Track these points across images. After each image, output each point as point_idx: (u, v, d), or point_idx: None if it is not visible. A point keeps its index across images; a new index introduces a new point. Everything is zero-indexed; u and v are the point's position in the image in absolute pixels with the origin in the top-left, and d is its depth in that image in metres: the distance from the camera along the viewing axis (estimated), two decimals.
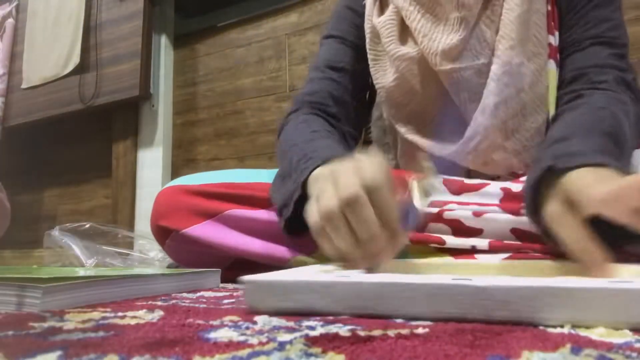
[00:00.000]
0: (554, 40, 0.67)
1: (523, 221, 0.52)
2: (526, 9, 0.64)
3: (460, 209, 0.56)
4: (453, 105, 0.67)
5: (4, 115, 2.16)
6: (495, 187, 0.57)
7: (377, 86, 0.73)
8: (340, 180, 0.42)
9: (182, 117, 2.00)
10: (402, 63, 0.68)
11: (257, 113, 1.83)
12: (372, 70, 0.73)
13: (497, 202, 0.56)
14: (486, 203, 0.56)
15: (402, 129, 0.72)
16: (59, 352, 0.20)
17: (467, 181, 0.59)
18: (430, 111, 0.69)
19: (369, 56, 0.73)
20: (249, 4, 1.89)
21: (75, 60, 2.00)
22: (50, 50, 2.08)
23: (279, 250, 0.63)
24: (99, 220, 1.99)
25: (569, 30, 0.67)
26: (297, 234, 0.56)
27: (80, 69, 2.00)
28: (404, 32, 0.70)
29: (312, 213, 0.42)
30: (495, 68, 0.63)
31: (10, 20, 2.24)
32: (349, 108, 0.74)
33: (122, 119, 2.01)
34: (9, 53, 2.21)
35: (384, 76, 0.72)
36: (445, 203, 0.57)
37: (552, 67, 0.66)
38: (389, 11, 0.71)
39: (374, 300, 0.29)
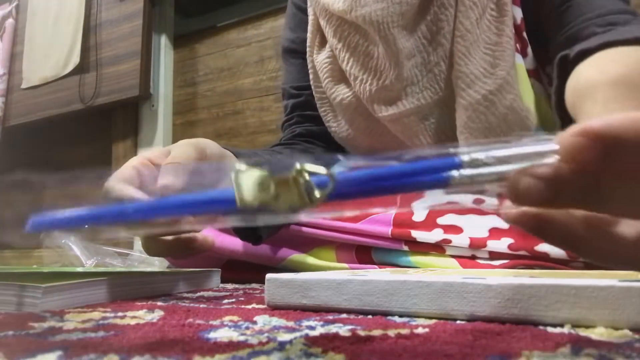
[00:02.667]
0: (516, 17, 0.58)
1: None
2: (479, 33, 0.56)
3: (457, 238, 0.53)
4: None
5: (4, 115, 2.16)
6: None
7: (329, 129, 0.68)
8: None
9: (182, 117, 2.00)
10: (344, 110, 0.64)
11: (257, 113, 1.83)
12: (320, 111, 0.68)
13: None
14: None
15: None
16: (59, 352, 0.20)
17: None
18: (392, 146, 0.64)
19: (315, 95, 0.69)
20: (249, 4, 1.89)
21: (75, 60, 2.00)
22: (50, 50, 2.08)
23: (274, 250, 0.63)
24: None
25: None
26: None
27: (80, 69, 2.00)
28: (342, 72, 0.64)
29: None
30: (458, 116, 0.56)
31: (10, 20, 2.24)
32: (329, 136, 0.70)
33: (122, 119, 2.01)
34: (9, 53, 2.21)
35: (334, 120, 0.67)
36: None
37: (517, 61, 0.59)
38: (327, 49, 0.65)
39: (385, 297, 0.30)
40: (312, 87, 0.69)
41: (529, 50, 0.61)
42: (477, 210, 0.55)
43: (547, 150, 0.17)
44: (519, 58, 0.60)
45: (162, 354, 0.20)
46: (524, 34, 0.60)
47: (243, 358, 0.19)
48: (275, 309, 0.34)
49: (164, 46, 2.02)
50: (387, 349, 0.20)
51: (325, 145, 0.72)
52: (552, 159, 0.17)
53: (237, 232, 0.52)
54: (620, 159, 0.16)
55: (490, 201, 0.55)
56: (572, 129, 0.16)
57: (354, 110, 0.63)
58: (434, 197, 0.57)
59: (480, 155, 0.17)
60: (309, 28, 0.69)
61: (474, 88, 0.56)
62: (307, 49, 0.69)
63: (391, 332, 0.24)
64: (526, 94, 0.59)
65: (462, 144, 0.56)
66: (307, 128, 0.71)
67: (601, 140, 0.16)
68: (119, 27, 1.98)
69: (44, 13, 2.14)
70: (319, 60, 0.66)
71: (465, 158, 0.17)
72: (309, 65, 0.69)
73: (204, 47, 2.00)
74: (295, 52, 0.74)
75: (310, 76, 0.69)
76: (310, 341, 0.22)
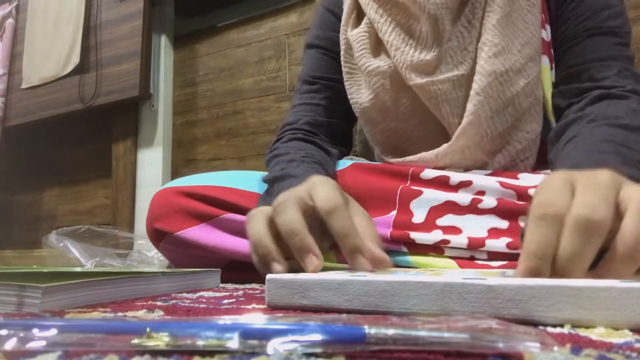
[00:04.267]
0: (546, 35, 0.63)
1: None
2: (509, 10, 0.59)
3: (456, 238, 0.54)
4: (432, 121, 0.64)
5: (4, 115, 2.16)
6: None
7: (351, 101, 0.70)
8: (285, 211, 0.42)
9: (182, 117, 2.00)
10: (374, 78, 0.65)
11: (257, 113, 1.83)
12: (346, 84, 0.70)
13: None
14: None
15: (376, 150, 0.70)
16: (59, 352, 0.20)
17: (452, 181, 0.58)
18: (407, 128, 0.66)
19: (343, 69, 0.70)
20: (249, 4, 1.89)
21: (75, 60, 2.00)
22: (50, 50, 2.08)
23: None
24: (99, 221, 2.00)
25: (565, 24, 0.62)
26: None
27: (80, 69, 2.00)
28: (378, 45, 0.67)
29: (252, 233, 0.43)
30: (478, 79, 0.59)
31: (10, 20, 2.24)
32: (335, 127, 0.74)
33: (122, 119, 2.01)
34: (9, 53, 2.21)
35: (358, 92, 0.69)
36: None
37: (546, 64, 0.63)
38: (363, 24, 0.68)
39: (385, 298, 0.30)
40: (342, 62, 0.70)
41: (553, 66, 0.65)
42: (476, 210, 0.55)
43: None
44: (546, 61, 0.63)
45: (162, 354, 0.20)
46: (552, 51, 0.64)
47: (243, 358, 0.19)
48: (275, 309, 0.34)
49: (164, 46, 2.02)
50: (387, 349, 0.20)
51: (328, 137, 0.73)
52: None
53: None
54: None
55: (489, 200, 0.55)
56: None
57: (387, 78, 0.65)
58: (431, 195, 0.57)
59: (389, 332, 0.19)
60: (345, 8, 0.71)
61: (499, 58, 0.58)
62: (342, 27, 0.71)
63: None
64: (548, 94, 0.63)
65: (471, 109, 0.58)
66: (314, 117, 0.73)
67: None
68: (119, 27, 1.98)
69: (44, 13, 2.14)
70: (354, 33, 0.68)
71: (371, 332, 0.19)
72: (342, 42, 0.71)
73: (204, 47, 2.00)
74: (317, 47, 0.77)
75: (342, 50, 0.70)
76: (310, 342, 0.22)
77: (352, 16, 0.70)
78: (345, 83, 0.71)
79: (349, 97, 0.70)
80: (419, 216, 0.57)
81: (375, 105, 0.67)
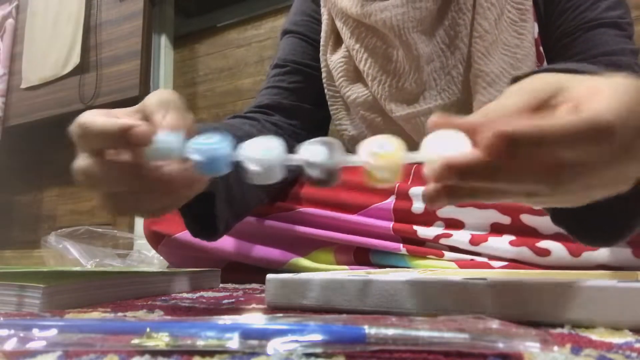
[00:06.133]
0: (534, 32, 0.59)
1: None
2: (497, 34, 0.56)
3: (457, 234, 0.53)
4: None
5: (4, 115, 2.16)
6: None
7: (337, 127, 0.68)
8: None
9: None
10: (356, 108, 0.63)
11: None
12: (331, 109, 0.69)
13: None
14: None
15: None
16: (59, 352, 0.20)
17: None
18: None
19: (327, 94, 0.69)
20: (249, 4, 1.89)
21: (75, 60, 2.00)
22: (50, 50, 2.08)
23: (274, 254, 0.62)
24: (99, 221, 1.99)
25: (560, 17, 0.57)
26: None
27: (80, 69, 2.00)
28: (357, 72, 0.64)
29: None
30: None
31: (10, 20, 2.24)
32: (303, 112, 0.68)
33: None
34: (9, 53, 2.21)
35: (343, 118, 0.68)
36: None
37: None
38: (342, 49, 0.65)
39: (385, 298, 0.30)
40: (325, 87, 0.68)
41: (545, 64, 0.61)
42: (477, 204, 0.54)
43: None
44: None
45: (162, 354, 0.20)
46: (540, 48, 0.60)
47: (243, 358, 0.19)
48: (275, 309, 0.34)
49: (164, 46, 2.02)
50: (387, 349, 0.20)
51: (295, 122, 0.67)
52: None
53: (189, 227, 0.43)
54: (521, 153, 0.21)
55: None
56: (488, 129, 0.21)
57: (369, 108, 0.63)
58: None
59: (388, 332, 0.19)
60: (323, 28, 0.68)
61: (495, 87, 0.56)
62: (321, 49, 0.69)
63: None
64: None
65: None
66: (276, 100, 0.68)
67: (511, 142, 0.20)
68: (119, 27, 1.98)
69: (44, 13, 2.14)
70: (333, 59, 0.66)
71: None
72: (322, 65, 0.68)
73: (204, 47, 2.00)
74: (294, 32, 0.73)
75: (323, 75, 0.68)
76: (310, 342, 0.22)
77: (331, 39, 0.67)
78: (331, 109, 0.69)
79: (334, 122, 0.69)
80: (418, 204, 0.56)
81: (362, 133, 0.65)
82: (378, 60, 0.61)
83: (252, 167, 0.26)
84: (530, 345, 0.18)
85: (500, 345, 0.18)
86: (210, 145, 0.26)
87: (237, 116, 0.64)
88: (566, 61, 0.57)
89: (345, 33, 0.64)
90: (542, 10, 0.60)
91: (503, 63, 0.56)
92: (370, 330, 0.19)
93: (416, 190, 0.56)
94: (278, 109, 0.67)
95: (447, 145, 0.22)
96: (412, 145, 0.26)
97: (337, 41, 0.67)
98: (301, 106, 0.68)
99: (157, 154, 0.28)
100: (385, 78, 0.60)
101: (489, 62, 0.56)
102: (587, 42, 0.55)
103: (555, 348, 0.18)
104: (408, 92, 0.59)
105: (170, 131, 0.28)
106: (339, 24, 0.65)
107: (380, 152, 0.24)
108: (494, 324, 0.19)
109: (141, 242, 1.38)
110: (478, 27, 0.57)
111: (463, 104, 0.59)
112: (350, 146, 0.68)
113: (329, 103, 0.69)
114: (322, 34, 0.68)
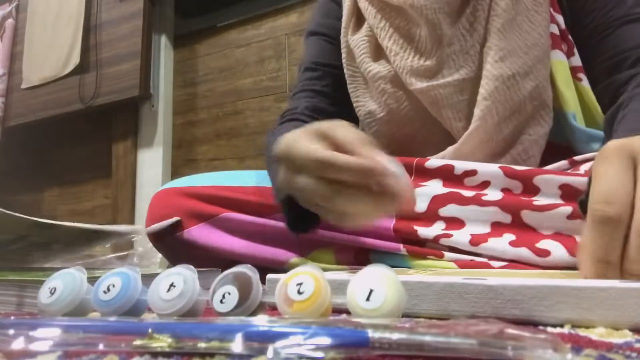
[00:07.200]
0: (557, 26, 0.62)
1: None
2: (514, 14, 0.59)
3: (457, 235, 0.53)
4: (435, 125, 0.63)
5: (4, 115, 2.16)
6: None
7: (354, 105, 0.70)
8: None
9: (182, 117, 2.00)
10: (375, 82, 0.65)
11: (257, 113, 1.83)
12: (349, 87, 0.70)
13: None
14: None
15: None
16: (59, 352, 0.20)
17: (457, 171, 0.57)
18: (410, 132, 0.66)
19: (346, 73, 0.70)
20: (249, 4, 1.89)
21: (75, 60, 2.00)
22: (50, 50, 2.08)
23: (276, 253, 0.62)
24: (99, 221, 1.99)
25: (589, 16, 0.61)
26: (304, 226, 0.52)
27: (80, 69, 2.00)
28: (378, 50, 0.67)
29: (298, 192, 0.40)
30: (485, 83, 0.58)
31: (10, 21, 2.24)
32: (338, 115, 0.68)
33: (122, 119, 2.01)
34: (9, 53, 2.21)
35: (361, 96, 0.69)
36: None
37: (559, 58, 0.62)
38: (364, 29, 0.68)
39: None
40: (345, 66, 0.70)
41: (575, 50, 0.63)
42: (479, 201, 0.54)
43: None
44: (560, 55, 0.62)
45: (162, 354, 0.20)
46: (569, 37, 0.63)
47: (243, 358, 0.19)
48: (275, 309, 0.33)
49: (164, 46, 2.02)
50: (390, 354, 0.20)
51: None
52: None
53: (288, 221, 0.50)
54: None
55: (493, 194, 0.55)
56: None
57: (389, 82, 0.65)
58: (435, 186, 0.57)
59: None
60: (344, 11, 0.71)
61: (506, 62, 0.58)
62: (342, 30, 0.70)
63: None
64: (568, 90, 0.62)
65: (479, 114, 0.57)
66: (315, 104, 0.72)
67: None
68: (119, 27, 1.98)
69: (44, 13, 2.14)
70: (354, 38, 0.68)
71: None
72: (342, 46, 0.70)
73: (204, 47, 2.00)
74: (319, 34, 0.76)
75: (343, 55, 0.70)
76: (310, 342, 0.22)
77: (352, 20, 0.70)
78: (349, 87, 0.70)
79: (352, 100, 0.70)
80: (421, 204, 0.56)
81: (378, 109, 0.67)
82: (400, 39, 0.64)
83: None
84: (542, 353, 0.17)
85: (510, 352, 0.17)
86: None
87: (293, 119, 0.68)
88: (604, 55, 0.60)
89: (370, 12, 0.67)
90: (564, 4, 0.63)
91: (518, 40, 0.59)
92: (374, 334, 0.19)
93: (418, 190, 0.56)
94: (318, 112, 0.71)
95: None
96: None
97: (358, 22, 0.70)
98: (336, 109, 0.72)
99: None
100: (408, 54, 0.63)
101: (503, 38, 0.58)
102: (617, 38, 0.59)
103: (569, 356, 0.17)
104: (428, 68, 0.61)
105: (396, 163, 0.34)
106: (364, 5, 0.68)
107: (296, 300, 0.25)
108: (503, 329, 0.19)
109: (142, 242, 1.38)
110: (495, 6, 0.59)
111: (476, 79, 0.61)
112: (365, 120, 0.69)
113: (347, 82, 0.71)
114: (344, 17, 0.71)
